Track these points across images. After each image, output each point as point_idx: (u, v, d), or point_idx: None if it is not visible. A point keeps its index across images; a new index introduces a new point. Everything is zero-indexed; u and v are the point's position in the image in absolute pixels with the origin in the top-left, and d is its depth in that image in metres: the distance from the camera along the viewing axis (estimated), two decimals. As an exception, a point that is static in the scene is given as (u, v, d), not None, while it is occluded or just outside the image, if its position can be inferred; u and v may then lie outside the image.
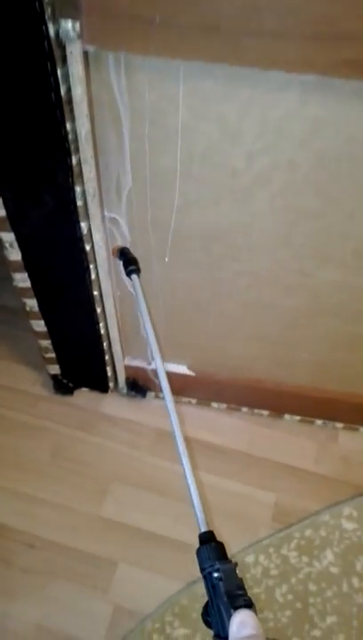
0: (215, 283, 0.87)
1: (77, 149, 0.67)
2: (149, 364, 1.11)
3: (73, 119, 0.63)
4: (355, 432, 1.17)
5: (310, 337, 0.95)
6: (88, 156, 0.67)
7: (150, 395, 1.19)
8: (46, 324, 0.99)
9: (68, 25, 0.54)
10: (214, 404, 1.19)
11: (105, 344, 1.02)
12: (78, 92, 0.60)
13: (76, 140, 0.66)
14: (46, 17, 0.53)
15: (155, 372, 1.10)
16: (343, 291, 0.83)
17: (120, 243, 0.83)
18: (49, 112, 0.61)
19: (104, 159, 0.71)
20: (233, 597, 0.40)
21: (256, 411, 1.18)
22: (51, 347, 1.06)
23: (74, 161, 0.67)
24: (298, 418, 1.18)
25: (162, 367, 0.65)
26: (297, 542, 0.99)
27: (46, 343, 1.05)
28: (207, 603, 0.42)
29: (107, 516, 1.02)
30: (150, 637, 0.89)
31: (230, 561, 0.45)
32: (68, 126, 0.64)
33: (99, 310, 0.94)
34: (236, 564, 0.43)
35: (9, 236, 0.80)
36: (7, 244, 0.81)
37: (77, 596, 0.93)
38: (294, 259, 0.79)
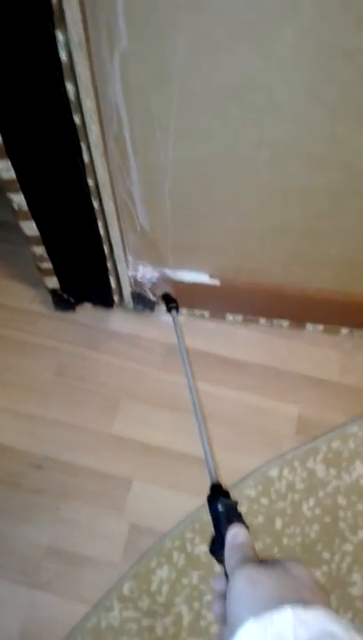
0: (230, 159, 0.73)
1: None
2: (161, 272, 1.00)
3: None
4: (384, 340, 1.07)
5: (340, 227, 0.82)
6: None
7: (159, 308, 1.09)
8: (38, 225, 0.87)
9: None
10: (230, 317, 1.09)
11: (105, 247, 0.91)
12: None
13: None
14: None
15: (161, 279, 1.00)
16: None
17: (114, 113, 0.69)
18: None
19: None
20: (230, 519, 0.48)
21: (275, 321, 1.08)
22: (46, 255, 0.95)
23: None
24: (321, 327, 1.08)
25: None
26: (324, 455, 0.92)
27: (40, 250, 0.93)
28: (213, 538, 0.47)
29: (118, 434, 0.95)
30: (170, 555, 0.83)
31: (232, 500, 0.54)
32: None
33: (96, 205, 0.82)
34: (236, 502, 0.51)
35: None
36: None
37: (90, 516, 0.88)
38: (326, 120, 0.65)
